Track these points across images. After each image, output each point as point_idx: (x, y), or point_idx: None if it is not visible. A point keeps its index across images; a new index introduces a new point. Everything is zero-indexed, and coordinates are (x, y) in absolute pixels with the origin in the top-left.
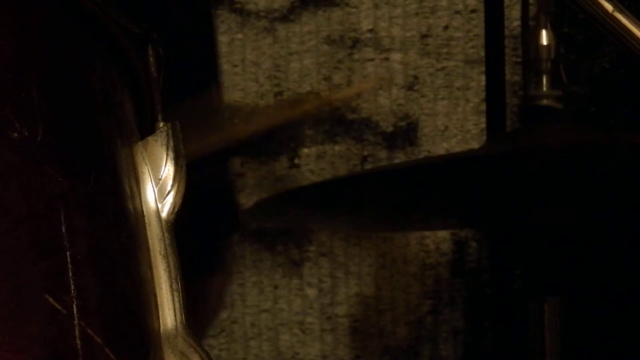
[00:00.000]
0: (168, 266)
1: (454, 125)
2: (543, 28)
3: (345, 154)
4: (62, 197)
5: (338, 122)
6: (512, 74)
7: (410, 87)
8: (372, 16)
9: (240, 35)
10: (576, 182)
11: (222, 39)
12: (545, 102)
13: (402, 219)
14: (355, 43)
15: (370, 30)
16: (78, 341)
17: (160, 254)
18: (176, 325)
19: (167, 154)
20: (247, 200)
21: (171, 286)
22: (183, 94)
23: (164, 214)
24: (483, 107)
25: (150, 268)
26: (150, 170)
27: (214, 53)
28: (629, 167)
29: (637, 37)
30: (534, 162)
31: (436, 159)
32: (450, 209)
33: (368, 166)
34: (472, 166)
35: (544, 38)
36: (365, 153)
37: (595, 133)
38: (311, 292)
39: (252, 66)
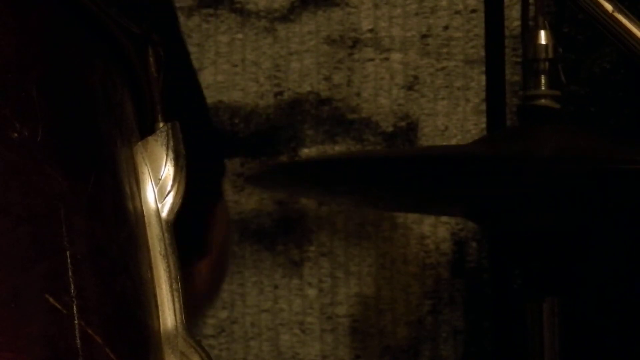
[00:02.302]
0: (168, 266)
1: (454, 125)
2: (541, 28)
3: None
4: (62, 197)
5: (338, 122)
6: (512, 74)
7: (410, 87)
8: (372, 16)
9: (240, 35)
10: (576, 182)
11: (222, 39)
12: (543, 102)
13: (403, 201)
14: (355, 43)
15: (370, 30)
16: (78, 341)
17: (160, 254)
18: (176, 325)
19: (167, 154)
20: (247, 200)
21: (171, 286)
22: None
23: (164, 214)
24: (483, 107)
25: (150, 268)
26: (150, 171)
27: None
28: (629, 167)
29: (637, 37)
30: (533, 162)
31: (436, 151)
32: (449, 208)
33: None
34: (471, 165)
35: (542, 38)
36: None
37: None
38: (311, 292)
39: (252, 66)
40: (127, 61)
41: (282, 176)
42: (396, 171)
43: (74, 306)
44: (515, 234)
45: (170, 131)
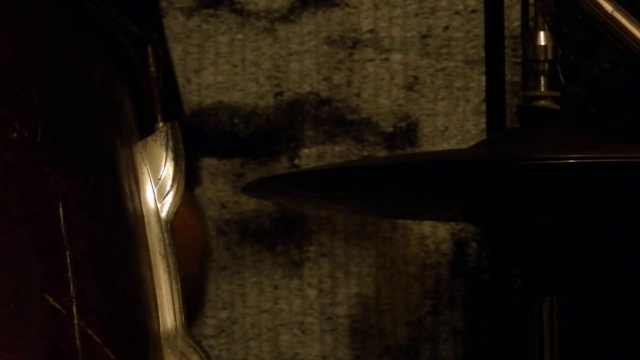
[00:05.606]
0: (168, 266)
1: (454, 125)
2: (541, 29)
3: (346, 154)
4: (62, 197)
5: (338, 122)
6: (512, 75)
7: (410, 88)
8: (372, 16)
9: (240, 36)
10: (576, 182)
11: (222, 39)
12: (542, 103)
13: (402, 208)
14: (356, 43)
15: (370, 31)
16: (78, 341)
17: (160, 254)
18: (176, 326)
19: (166, 154)
20: (247, 200)
21: (171, 286)
22: None
23: (163, 214)
24: (483, 107)
25: (150, 268)
26: (149, 170)
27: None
28: (629, 167)
29: (637, 37)
30: (533, 163)
31: (436, 156)
32: (449, 208)
33: None
34: (471, 170)
35: (542, 39)
36: (365, 153)
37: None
38: (311, 293)
39: (252, 66)
40: (126, 61)
41: (278, 186)
42: (395, 178)
43: (74, 306)
44: (515, 234)
45: (169, 131)
